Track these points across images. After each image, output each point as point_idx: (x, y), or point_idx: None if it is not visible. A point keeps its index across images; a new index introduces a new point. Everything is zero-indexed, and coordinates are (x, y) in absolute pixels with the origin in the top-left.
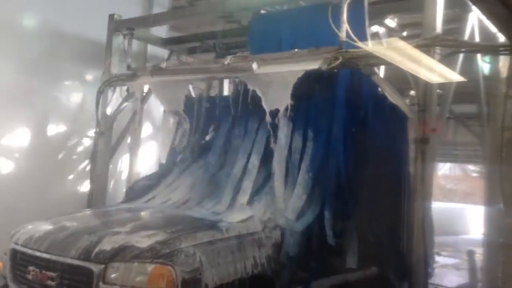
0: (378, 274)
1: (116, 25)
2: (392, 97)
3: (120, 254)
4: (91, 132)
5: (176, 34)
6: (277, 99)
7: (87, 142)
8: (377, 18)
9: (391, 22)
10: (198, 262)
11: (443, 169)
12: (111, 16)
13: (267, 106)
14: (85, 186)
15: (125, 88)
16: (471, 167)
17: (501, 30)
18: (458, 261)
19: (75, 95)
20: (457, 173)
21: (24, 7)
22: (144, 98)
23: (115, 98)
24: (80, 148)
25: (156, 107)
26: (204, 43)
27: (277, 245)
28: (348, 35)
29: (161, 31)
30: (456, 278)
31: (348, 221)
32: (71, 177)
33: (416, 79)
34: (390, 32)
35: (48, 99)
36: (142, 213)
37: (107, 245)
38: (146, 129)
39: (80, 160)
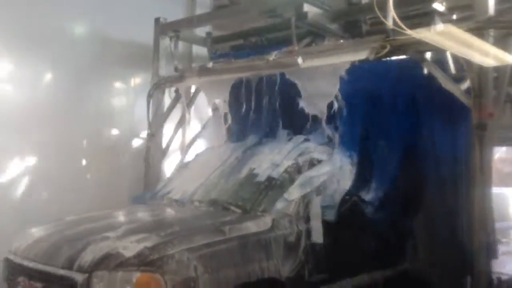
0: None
1: (162, 28)
2: (445, 83)
3: (104, 262)
4: (143, 134)
5: (219, 33)
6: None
7: (139, 144)
8: (425, 2)
9: (439, 6)
10: (192, 269)
11: (500, 152)
12: (157, 20)
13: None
14: (140, 187)
15: (173, 89)
16: None
17: None
18: None
19: (126, 98)
20: None
21: (73, 15)
22: (192, 99)
23: (164, 100)
24: (133, 151)
25: (203, 106)
26: (247, 40)
27: (290, 246)
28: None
29: (205, 31)
30: None
31: (407, 218)
32: (125, 179)
33: (470, 64)
34: (438, 16)
35: (100, 103)
36: (142, 214)
37: (91, 252)
38: (195, 128)
39: (133, 162)
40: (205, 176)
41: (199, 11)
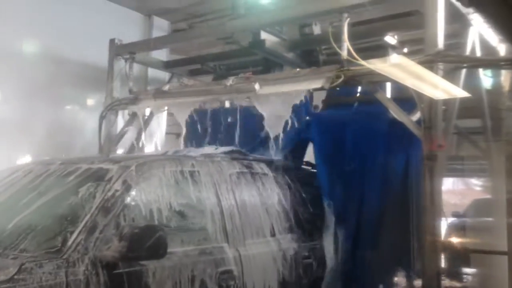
0: None
1: (117, 49)
2: (397, 114)
3: None
4: None
5: (176, 56)
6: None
7: None
8: (377, 35)
9: (391, 39)
10: None
11: (447, 184)
12: (112, 41)
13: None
14: None
15: (127, 112)
16: (474, 181)
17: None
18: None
19: (77, 120)
20: (460, 188)
21: (25, 34)
22: (146, 122)
23: (117, 122)
24: None
25: (157, 129)
26: (204, 65)
27: None
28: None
29: (162, 54)
30: None
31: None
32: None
33: (420, 96)
34: (391, 49)
35: (50, 124)
36: None
37: None
38: (149, 152)
39: None
40: None
41: (156, 34)
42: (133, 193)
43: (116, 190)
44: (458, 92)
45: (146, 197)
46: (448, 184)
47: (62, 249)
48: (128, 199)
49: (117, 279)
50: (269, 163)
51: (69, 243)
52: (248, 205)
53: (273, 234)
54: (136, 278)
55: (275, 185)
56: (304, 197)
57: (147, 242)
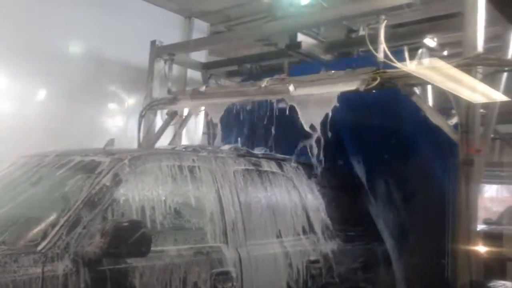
0: None
1: (158, 51)
2: (433, 118)
3: None
4: None
5: (215, 58)
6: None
7: None
8: (416, 37)
9: (430, 41)
10: None
11: (490, 191)
12: (153, 42)
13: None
14: None
15: (165, 111)
16: None
17: None
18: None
19: (118, 118)
20: (504, 195)
21: (69, 35)
22: (183, 121)
23: (156, 122)
24: None
25: (194, 129)
26: (241, 67)
27: None
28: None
29: (200, 55)
30: None
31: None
32: None
33: (458, 99)
34: (430, 51)
35: (92, 122)
36: None
37: None
38: None
39: None
40: None
41: (196, 35)
42: (124, 187)
43: (105, 184)
44: (497, 96)
45: (139, 193)
46: (492, 191)
47: (40, 243)
48: (118, 194)
49: (99, 276)
50: (280, 162)
51: (49, 237)
52: (253, 204)
53: (278, 236)
54: (120, 277)
55: (284, 185)
56: (316, 197)
57: (129, 238)
